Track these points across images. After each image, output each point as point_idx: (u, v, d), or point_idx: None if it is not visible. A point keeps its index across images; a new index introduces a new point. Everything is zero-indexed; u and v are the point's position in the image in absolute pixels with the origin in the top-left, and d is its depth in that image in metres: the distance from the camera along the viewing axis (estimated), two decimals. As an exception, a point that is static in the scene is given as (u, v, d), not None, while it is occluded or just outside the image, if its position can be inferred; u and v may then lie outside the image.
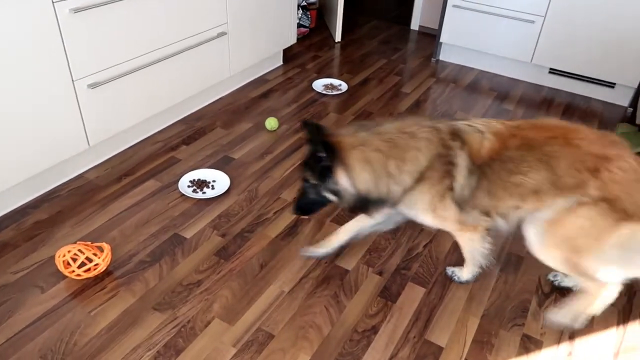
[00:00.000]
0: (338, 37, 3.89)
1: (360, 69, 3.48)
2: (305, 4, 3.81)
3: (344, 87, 3.18)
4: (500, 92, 3.29)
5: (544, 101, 3.21)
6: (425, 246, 1.99)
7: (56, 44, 1.91)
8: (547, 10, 3.10)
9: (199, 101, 2.83)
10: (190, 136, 2.59)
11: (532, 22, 3.17)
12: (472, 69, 3.60)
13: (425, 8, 4.13)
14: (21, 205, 2.07)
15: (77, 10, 1.92)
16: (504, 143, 1.54)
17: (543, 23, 3.15)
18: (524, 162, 1.51)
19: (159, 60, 2.36)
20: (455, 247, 1.98)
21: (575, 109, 3.12)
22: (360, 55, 3.70)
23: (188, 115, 2.76)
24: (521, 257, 1.94)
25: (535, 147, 1.51)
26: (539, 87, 3.38)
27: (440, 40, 3.57)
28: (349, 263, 1.89)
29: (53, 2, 1.85)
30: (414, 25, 4.25)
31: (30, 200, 2.09)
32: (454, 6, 3.39)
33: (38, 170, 2.03)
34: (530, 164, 1.50)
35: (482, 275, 1.84)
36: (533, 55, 3.27)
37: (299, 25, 3.85)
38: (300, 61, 3.55)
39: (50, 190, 2.16)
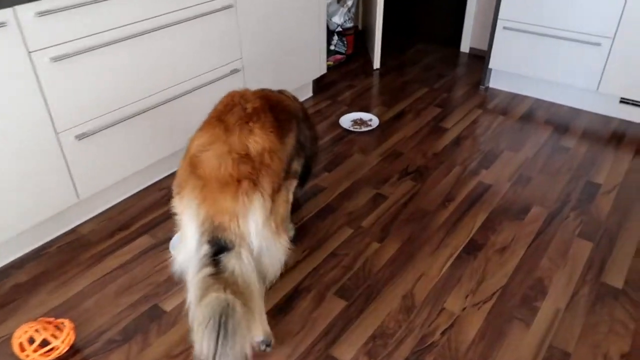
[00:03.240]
0: (377, 64, 3.59)
1: (397, 99, 3.16)
2: (341, 29, 3.54)
3: (375, 122, 2.87)
4: (559, 124, 2.83)
5: (613, 136, 2.72)
6: (443, 333, 1.64)
7: (35, 96, 1.77)
8: (616, 31, 2.63)
9: (212, 142, 2.63)
10: (197, 182, 2.39)
11: (599, 44, 2.70)
12: (526, 97, 3.15)
13: (477, 28, 3.73)
14: (5, 265, 1.94)
15: (57, 59, 1.77)
16: None
17: (612, 45, 2.67)
18: None
19: (157, 105, 2.18)
20: (482, 336, 1.61)
21: (653, 146, 2.62)
22: (399, 83, 3.37)
23: (199, 158, 2.57)
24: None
25: None
26: (607, 119, 2.89)
27: (490, 66, 3.16)
28: (345, 353, 1.58)
29: (29, 52, 1.71)
30: (464, 47, 3.85)
31: (17, 258, 1.97)
32: (505, 28, 2.98)
33: (25, 227, 1.89)
34: None
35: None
36: (600, 83, 2.79)
37: (334, 52, 3.59)
38: (332, 92, 3.28)
39: (40, 246, 2.03)
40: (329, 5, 3.36)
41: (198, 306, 1.25)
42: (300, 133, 1.78)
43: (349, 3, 3.45)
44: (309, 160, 1.93)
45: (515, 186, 2.32)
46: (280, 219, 1.44)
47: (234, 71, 2.48)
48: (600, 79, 2.78)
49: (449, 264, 1.90)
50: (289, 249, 1.47)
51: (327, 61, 3.59)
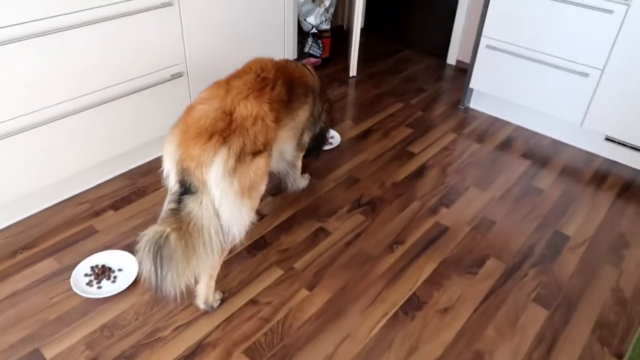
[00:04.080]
0: (353, 71, 3.32)
1: (368, 114, 2.90)
2: (316, 31, 3.27)
3: (337, 140, 2.62)
4: (537, 158, 2.58)
5: (594, 176, 2.47)
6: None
7: None
8: (606, 62, 2.37)
9: (150, 152, 2.39)
10: (125, 197, 2.16)
11: (586, 75, 2.44)
12: (507, 123, 2.90)
13: (465, 40, 3.46)
14: None
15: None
16: None
17: (600, 77, 2.41)
18: None
19: (74, 113, 1.94)
20: None
21: (638, 189, 2.37)
22: (374, 95, 3.12)
23: (133, 169, 2.33)
24: None
25: None
26: (590, 157, 2.64)
27: (471, 86, 2.91)
28: None
29: None
30: (451, 59, 3.58)
31: None
32: (488, 47, 2.72)
33: None
34: None
35: None
36: (585, 117, 2.54)
37: (309, 55, 3.32)
38: (299, 99, 3.03)
39: None
40: (302, 4, 3.08)
41: (141, 237, 1.38)
42: (315, 107, 1.95)
43: (326, 3, 3.18)
44: (322, 132, 2.15)
45: (475, 231, 2.09)
46: (248, 183, 1.49)
47: (176, 75, 2.23)
48: (586, 113, 2.53)
49: (381, 324, 1.67)
50: (252, 220, 1.55)
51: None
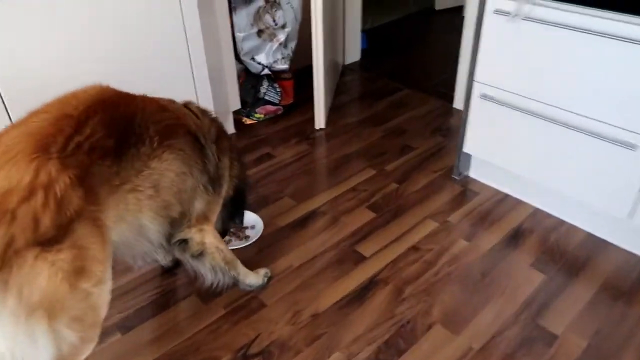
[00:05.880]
0: (320, 122, 2.54)
1: (319, 188, 2.11)
2: (270, 72, 2.53)
3: (257, 231, 1.84)
4: (557, 267, 1.67)
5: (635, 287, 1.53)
6: None
7: None
8: (668, 127, 1.44)
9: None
10: None
11: (633, 147, 1.52)
12: (519, 202, 1.99)
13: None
14: None
15: None
16: None
17: (659, 151, 1.49)
18: None
19: None
20: None
21: None
22: (338, 157, 2.32)
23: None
24: None
25: None
26: (637, 260, 1.69)
27: (465, 150, 2.04)
28: None
29: None
30: (458, 102, 2.71)
31: None
32: (483, 97, 1.85)
33: None
34: None
35: None
36: (635, 209, 1.60)
37: (265, 102, 2.59)
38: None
39: None
40: (244, 39, 2.35)
41: None
42: (206, 159, 1.36)
43: (280, 37, 2.42)
44: (238, 194, 1.61)
45: None
46: (38, 295, 0.91)
47: None
48: (635, 203, 1.59)
49: None
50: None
51: (255, 113, 2.60)
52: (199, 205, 1.35)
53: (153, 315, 1.55)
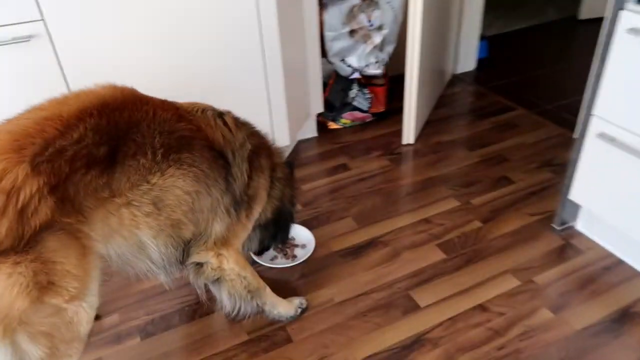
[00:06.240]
0: (408, 138, 2.28)
1: (387, 214, 1.86)
2: (360, 76, 2.31)
3: (307, 252, 1.66)
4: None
5: None
6: None
7: None
8: None
9: None
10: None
11: None
12: (638, 274, 1.57)
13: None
14: None
15: None
16: None
17: None
18: None
19: None
20: None
21: None
22: (419, 181, 2.05)
23: None
24: None
25: None
26: None
27: (570, 197, 1.65)
28: None
29: None
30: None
31: None
32: (601, 136, 1.46)
33: None
34: None
35: None
36: None
37: (353, 108, 2.39)
38: (311, 169, 2.13)
39: None
40: (334, 38, 2.16)
41: None
42: (230, 178, 1.21)
43: (375, 40, 2.19)
44: (279, 216, 1.46)
45: None
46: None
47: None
48: None
49: None
50: None
51: (342, 118, 2.42)
52: (218, 228, 1.20)
53: (175, 326, 1.46)
